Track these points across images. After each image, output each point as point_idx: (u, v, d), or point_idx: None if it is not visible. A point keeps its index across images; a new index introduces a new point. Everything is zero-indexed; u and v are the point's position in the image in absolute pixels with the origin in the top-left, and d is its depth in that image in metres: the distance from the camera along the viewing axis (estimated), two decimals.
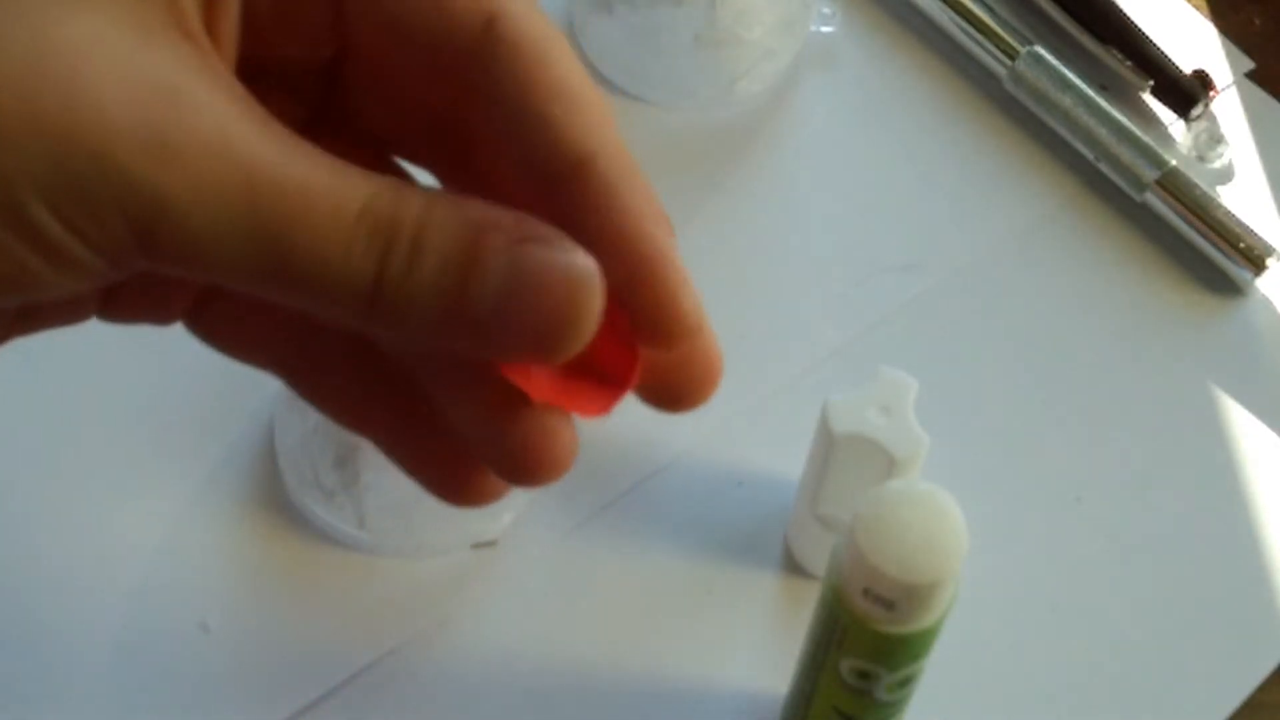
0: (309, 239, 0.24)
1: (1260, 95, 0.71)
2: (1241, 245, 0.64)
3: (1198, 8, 0.74)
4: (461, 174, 0.30)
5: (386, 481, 0.52)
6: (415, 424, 0.30)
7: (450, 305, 0.25)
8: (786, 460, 0.57)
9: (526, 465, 0.27)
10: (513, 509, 0.55)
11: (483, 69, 0.27)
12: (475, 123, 0.29)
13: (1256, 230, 0.64)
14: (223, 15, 0.26)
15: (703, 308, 0.27)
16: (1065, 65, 0.68)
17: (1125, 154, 0.65)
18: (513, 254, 0.25)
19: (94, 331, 0.32)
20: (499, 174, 0.29)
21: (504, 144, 0.28)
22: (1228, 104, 0.70)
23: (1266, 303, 0.65)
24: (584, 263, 0.25)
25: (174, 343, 0.35)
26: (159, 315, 0.31)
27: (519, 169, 0.28)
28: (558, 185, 0.27)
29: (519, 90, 0.27)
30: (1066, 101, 0.67)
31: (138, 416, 0.57)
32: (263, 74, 0.28)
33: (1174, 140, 0.69)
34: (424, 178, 0.30)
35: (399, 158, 0.31)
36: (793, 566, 0.56)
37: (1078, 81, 0.67)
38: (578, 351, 0.25)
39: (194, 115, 0.24)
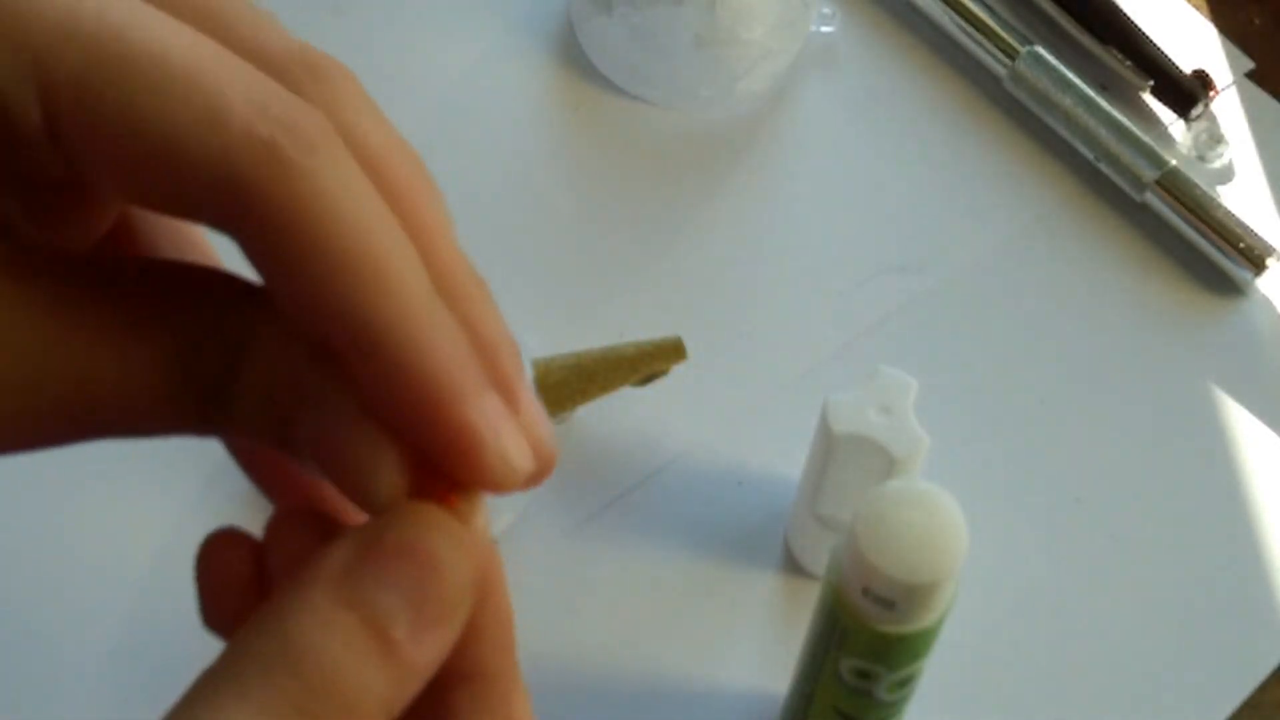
0: (131, 427, 0.24)
1: (1260, 95, 0.71)
2: (1241, 245, 0.64)
3: (1198, 8, 0.74)
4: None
5: None
6: None
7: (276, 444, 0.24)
8: (786, 460, 0.57)
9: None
10: (513, 509, 0.55)
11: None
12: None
13: (1256, 230, 0.64)
14: None
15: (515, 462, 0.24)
16: (1065, 65, 0.68)
17: (1125, 154, 0.65)
18: (321, 427, 0.24)
19: None
20: None
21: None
22: (1228, 104, 0.70)
23: (1266, 303, 0.65)
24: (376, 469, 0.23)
25: None
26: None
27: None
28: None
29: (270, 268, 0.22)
30: (1066, 101, 0.67)
31: None
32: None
33: (1174, 140, 0.69)
34: None
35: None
36: (793, 566, 0.56)
37: (1078, 81, 0.67)
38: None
39: None
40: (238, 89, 0.22)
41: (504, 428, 0.23)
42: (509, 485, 0.23)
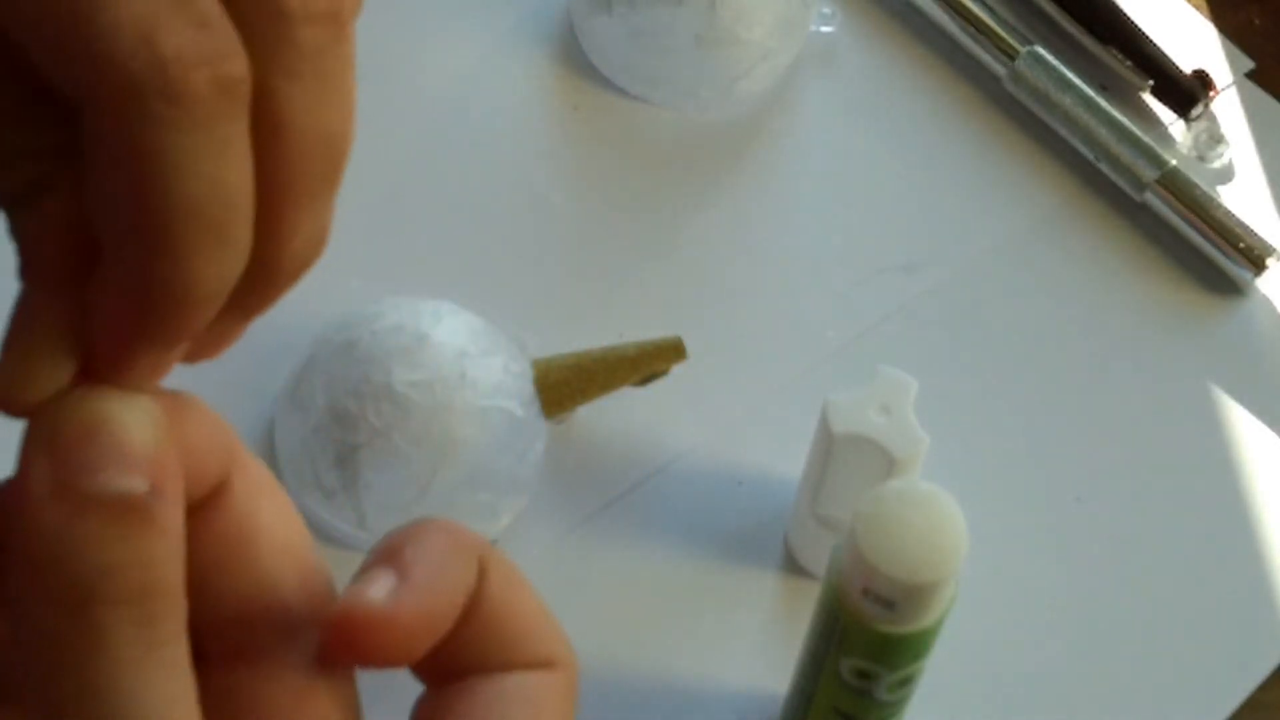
0: None
1: (1260, 95, 0.71)
2: (1241, 245, 0.64)
3: (1198, 8, 0.74)
4: None
5: (386, 481, 0.52)
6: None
7: None
8: (786, 460, 0.57)
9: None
10: (512, 509, 0.55)
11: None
12: None
13: (1256, 230, 0.64)
14: None
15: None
16: (1065, 65, 0.68)
17: (1125, 154, 0.65)
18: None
19: None
20: None
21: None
22: (1228, 104, 0.70)
23: (1266, 303, 0.65)
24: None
25: None
26: None
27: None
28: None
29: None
30: (1066, 101, 0.67)
31: None
32: None
33: (1174, 140, 0.69)
34: None
35: None
36: (793, 566, 0.56)
37: (1078, 81, 0.67)
38: None
39: None
40: (136, 9, 0.21)
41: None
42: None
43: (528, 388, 0.54)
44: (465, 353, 0.53)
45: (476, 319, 0.55)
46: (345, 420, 0.52)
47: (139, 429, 0.23)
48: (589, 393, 0.56)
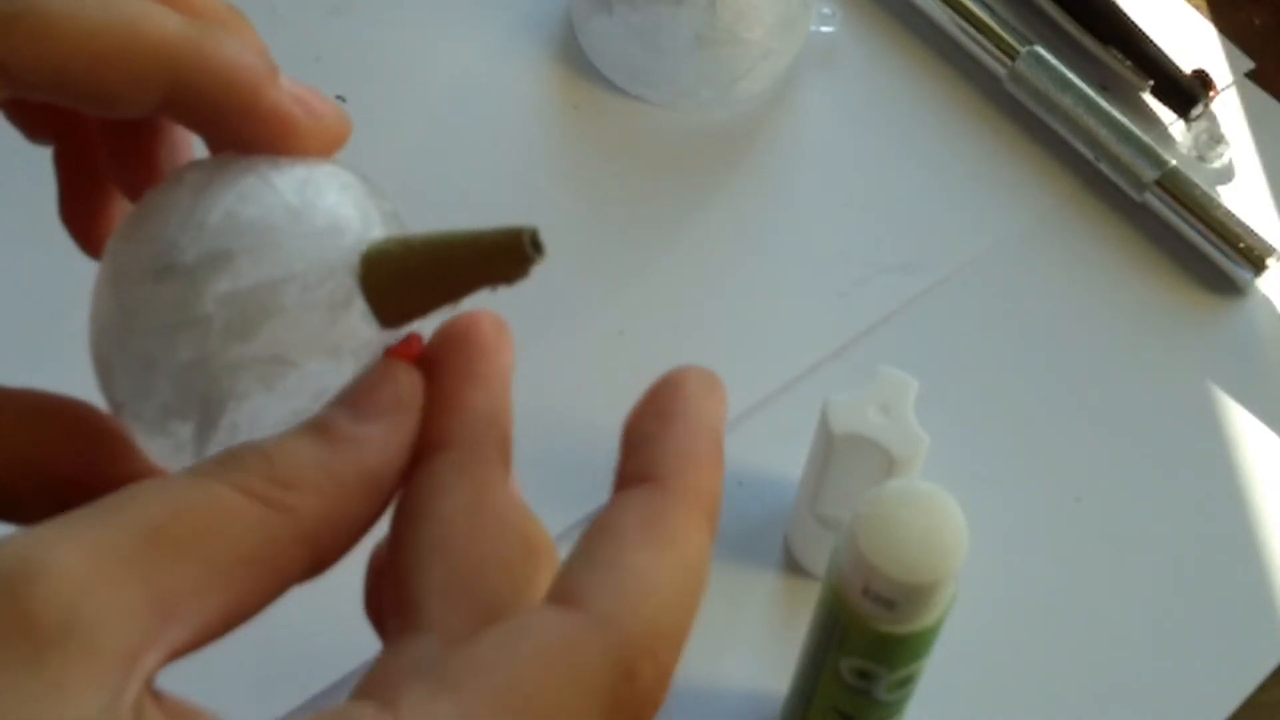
0: None
1: (1260, 95, 0.71)
2: (1241, 245, 0.64)
3: (1198, 8, 0.74)
4: None
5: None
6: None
7: None
8: (786, 460, 0.57)
9: None
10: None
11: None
12: None
13: (1256, 230, 0.64)
14: None
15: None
16: (1065, 65, 0.68)
17: (1125, 154, 0.65)
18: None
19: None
20: None
21: None
22: (1228, 104, 0.70)
23: (1266, 303, 0.65)
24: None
25: None
26: None
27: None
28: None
29: None
30: (1066, 101, 0.67)
31: None
32: None
33: (1174, 140, 0.69)
34: None
35: None
36: (793, 566, 0.56)
37: (1078, 81, 0.67)
38: None
39: None
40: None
41: (305, 96, 0.31)
42: (333, 137, 0.32)
43: None
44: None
45: None
46: None
47: (381, 388, 0.30)
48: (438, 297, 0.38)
